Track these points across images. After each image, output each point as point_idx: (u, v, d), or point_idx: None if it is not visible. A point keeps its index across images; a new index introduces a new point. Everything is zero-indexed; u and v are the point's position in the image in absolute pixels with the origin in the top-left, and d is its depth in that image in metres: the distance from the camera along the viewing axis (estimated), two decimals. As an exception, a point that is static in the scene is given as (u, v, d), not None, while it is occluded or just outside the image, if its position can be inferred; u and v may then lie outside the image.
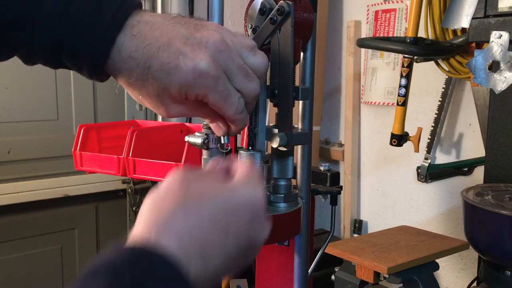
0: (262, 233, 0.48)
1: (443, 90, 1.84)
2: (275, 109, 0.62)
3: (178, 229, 0.41)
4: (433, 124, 1.88)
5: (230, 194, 0.46)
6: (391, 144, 1.68)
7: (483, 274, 1.11)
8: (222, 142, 0.61)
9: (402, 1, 1.99)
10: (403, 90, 1.61)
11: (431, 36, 1.61)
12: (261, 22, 0.60)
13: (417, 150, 1.70)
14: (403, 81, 1.61)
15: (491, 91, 1.19)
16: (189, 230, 0.42)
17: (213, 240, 0.43)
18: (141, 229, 0.42)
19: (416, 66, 1.65)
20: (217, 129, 0.58)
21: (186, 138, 0.63)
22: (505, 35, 1.06)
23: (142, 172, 1.40)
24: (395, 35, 2.00)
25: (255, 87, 0.54)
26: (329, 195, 0.85)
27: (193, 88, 0.51)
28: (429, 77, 1.88)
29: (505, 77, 1.07)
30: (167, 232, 0.41)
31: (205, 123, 0.61)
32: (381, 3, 2.06)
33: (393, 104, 1.94)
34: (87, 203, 2.29)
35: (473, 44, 1.45)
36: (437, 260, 1.33)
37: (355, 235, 2.22)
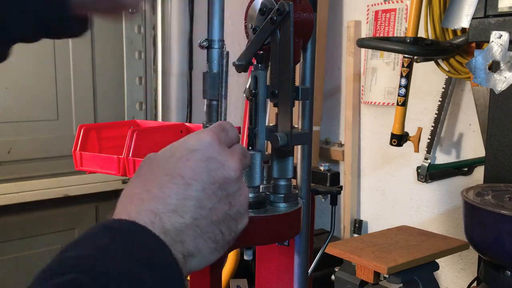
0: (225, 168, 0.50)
1: (443, 90, 1.84)
2: (275, 109, 0.62)
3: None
4: (433, 124, 1.88)
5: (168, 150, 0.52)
6: (391, 144, 1.68)
7: (483, 274, 1.11)
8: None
9: (402, 1, 1.99)
10: (403, 90, 1.61)
11: (431, 36, 1.61)
12: (261, 22, 0.60)
13: (417, 150, 1.70)
14: (403, 81, 1.61)
15: (491, 91, 1.19)
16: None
17: (167, 187, 0.46)
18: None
19: (416, 66, 1.64)
20: None
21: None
22: (505, 35, 1.06)
23: (142, 172, 1.40)
24: (395, 35, 2.00)
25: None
26: (329, 195, 0.85)
27: None
28: (429, 77, 1.88)
29: (505, 77, 1.07)
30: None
31: (205, 122, 0.61)
32: (381, 3, 2.06)
33: (393, 104, 1.94)
34: (87, 203, 2.29)
35: (473, 44, 1.45)
36: (437, 260, 1.33)
37: (355, 235, 2.22)
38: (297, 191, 0.67)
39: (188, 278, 0.56)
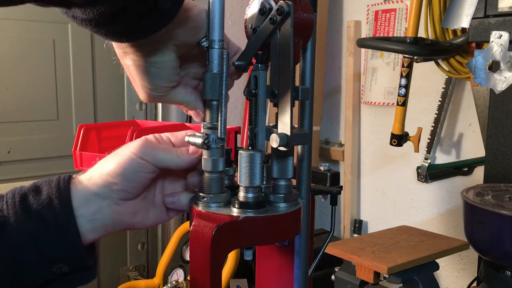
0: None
1: (443, 90, 1.84)
2: (275, 109, 0.62)
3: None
4: (433, 124, 1.88)
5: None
6: (391, 144, 1.68)
7: (483, 274, 1.11)
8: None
9: (402, 1, 1.99)
10: (403, 90, 1.61)
11: (431, 36, 1.61)
12: (261, 22, 0.60)
13: (417, 150, 1.70)
14: (403, 81, 1.61)
15: (491, 91, 1.19)
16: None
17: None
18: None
19: (416, 66, 1.65)
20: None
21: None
22: (505, 35, 1.06)
23: (142, 172, 1.40)
24: (395, 35, 2.00)
25: None
26: (329, 195, 0.85)
27: None
28: (429, 77, 1.88)
29: (505, 77, 1.07)
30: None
31: (205, 123, 0.61)
32: (381, 3, 2.06)
33: (393, 104, 1.94)
34: (87, 203, 2.29)
35: (473, 44, 1.45)
36: (437, 260, 1.33)
37: (355, 235, 2.22)
38: (297, 191, 0.67)
39: (188, 278, 0.56)
